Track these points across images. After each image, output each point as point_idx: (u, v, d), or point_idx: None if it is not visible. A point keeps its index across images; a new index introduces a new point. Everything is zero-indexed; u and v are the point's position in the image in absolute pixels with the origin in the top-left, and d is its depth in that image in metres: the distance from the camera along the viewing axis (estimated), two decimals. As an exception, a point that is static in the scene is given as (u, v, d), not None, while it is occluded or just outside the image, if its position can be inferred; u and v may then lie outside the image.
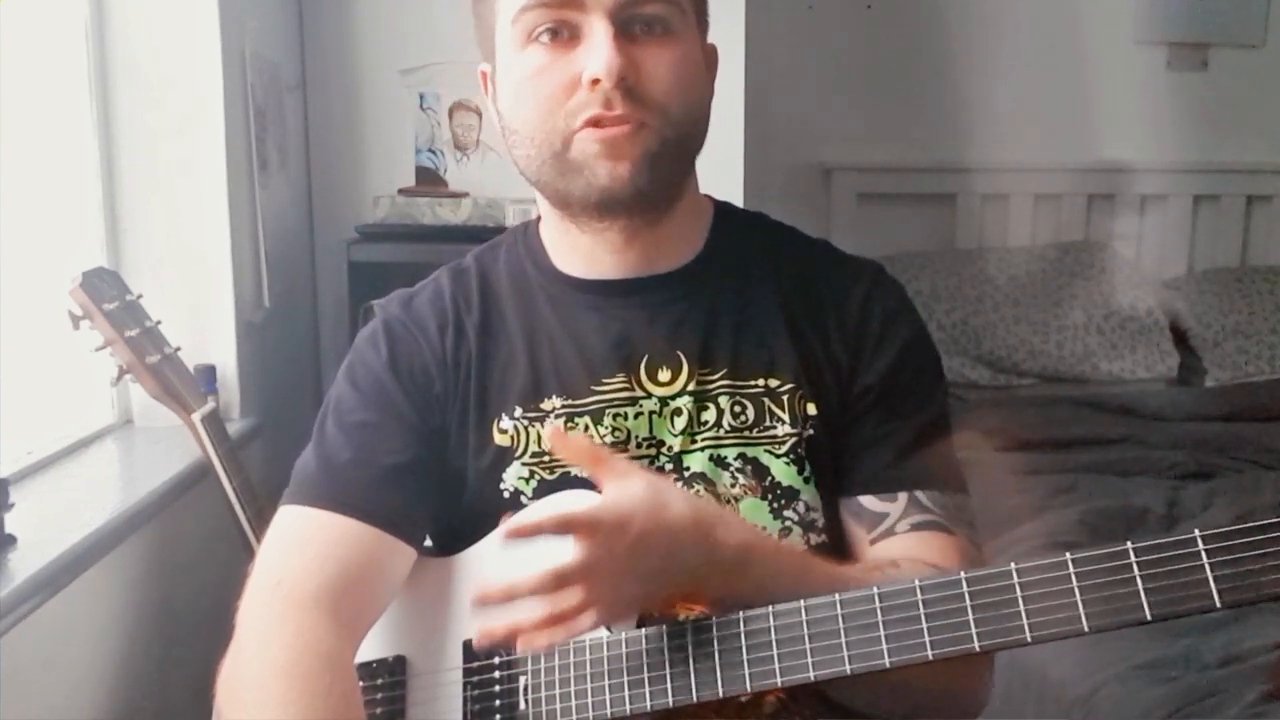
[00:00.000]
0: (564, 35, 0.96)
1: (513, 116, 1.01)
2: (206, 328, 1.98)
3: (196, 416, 1.57)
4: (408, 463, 1.03)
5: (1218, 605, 0.79)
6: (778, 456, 1.02)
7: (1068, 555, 0.82)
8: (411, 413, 1.05)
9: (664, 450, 1.02)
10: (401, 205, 2.35)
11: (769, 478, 1.02)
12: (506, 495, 1.03)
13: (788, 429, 1.02)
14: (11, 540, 1.37)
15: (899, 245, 3.28)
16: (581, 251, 1.06)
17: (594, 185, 0.97)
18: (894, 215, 3.37)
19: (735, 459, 1.02)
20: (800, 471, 1.02)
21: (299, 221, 2.43)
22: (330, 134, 2.45)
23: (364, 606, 0.99)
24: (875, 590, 0.86)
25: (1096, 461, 2.63)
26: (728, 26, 2.26)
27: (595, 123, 0.96)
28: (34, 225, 1.73)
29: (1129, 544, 0.82)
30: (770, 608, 0.89)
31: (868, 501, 1.03)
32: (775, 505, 1.02)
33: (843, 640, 0.86)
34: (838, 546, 1.04)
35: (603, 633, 0.93)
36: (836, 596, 0.87)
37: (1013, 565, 0.83)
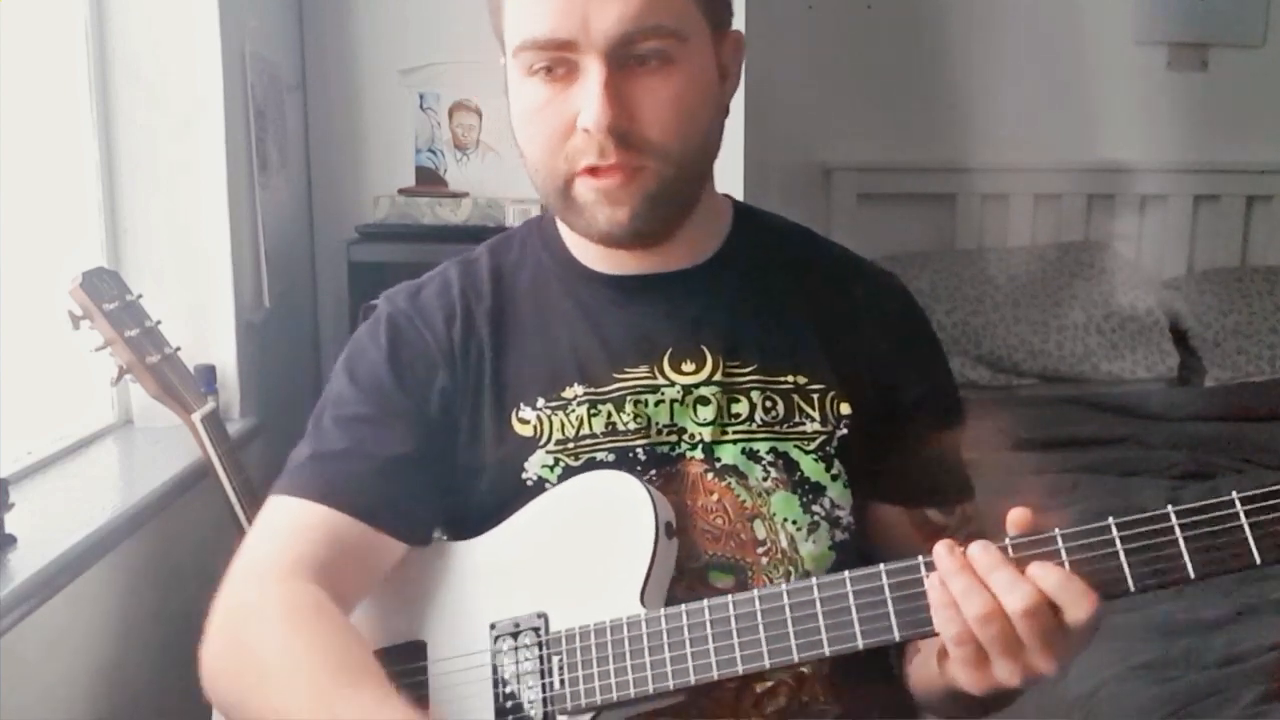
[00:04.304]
0: (561, 71, 0.95)
1: (521, 140, 1.01)
2: (206, 328, 1.98)
3: (196, 416, 1.57)
4: (401, 457, 1.03)
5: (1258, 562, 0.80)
6: (806, 452, 1.04)
7: (1110, 520, 0.84)
8: (409, 407, 1.05)
9: (685, 438, 1.03)
10: (401, 205, 2.35)
11: (798, 472, 1.03)
12: (530, 483, 1.03)
13: (817, 426, 1.04)
14: (11, 540, 1.37)
15: (899, 245, 3.28)
16: (597, 250, 1.06)
17: (594, 227, 0.99)
18: (894, 215, 3.37)
19: (767, 453, 1.03)
20: (828, 469, 1.04)
21: (299, 221, 2.43)
22: (330, 134, 2.45)
23: (340, 595, 1.00)
24: (882, 568, 0.88)
25: (1096, 461, 2.63)
26: (728, 26, 2.26)
27: (592, 170, 0.96)
28: (34, 225, 1.73)
29: (1170, 508, 0.83)
30: (783, 585, 0.91)
31: (931, 514, 1.07)
32: (805, 499, 1.03)
33: (854, 616, 0.88)
34: (863, 544, 1.05)
35: (640, 610, 0.94)
36: (846, 574, 0.89)
37: (1057, 530, 0.85)
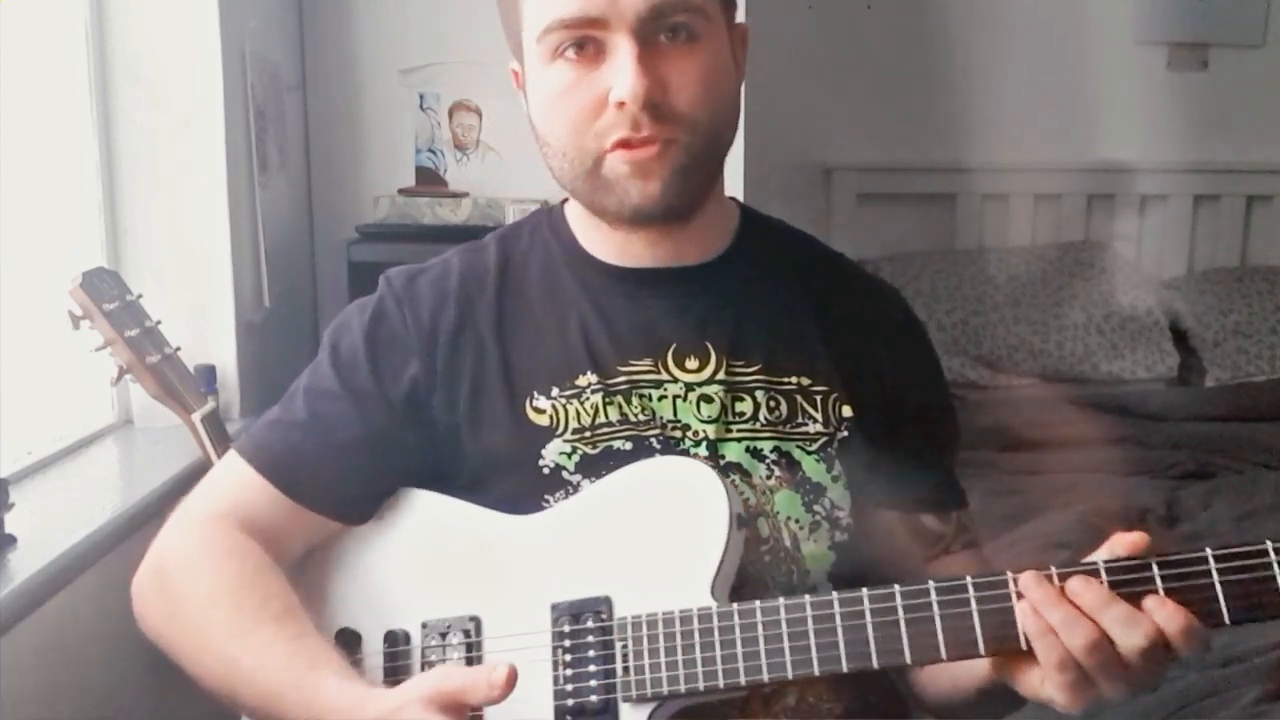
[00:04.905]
0: (589, 50, 0.96)
1: (544, 129, 1.02)
2: (206, 328, 1.98)
3: (196, 416, 1.57)
4: (355, 438, 1.04)
5: None
6: (808, 453, 1.04)
7: (1208, 550, 0.84)
8: (374, 389, 1.05)
9: (689, 434, 1.03)
10: (401, 205, 2.36)
11: (800, 472, 1.04)
12: (547, 471, 1.02)
13: (819, 427, 1.04)
14: (11, 540, 1.37)
15: (899, 245, 3.29)
16: (613, 241, 1.07)
17: (626, 203, 0.99)
18: (894, 215, 3.37)
19: (771, 452, 1.03)
20: (829, 470, 1.04)
21: (299, 221, 2.43)
22: (330, 134, 2.45)
23: (268, 551, 1.03)
24: (969, 579, 0.88)
25: (1096, 461, 2.63)
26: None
27: (624, 144, 0.97)
28: (34, 225, 1.73)
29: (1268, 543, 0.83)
30: (864, 590, 0.90)
31: (928, 521, 1.08)
32: (807, 499, 1.03)
33: (937, 626, 0.87)
34: (862, 547, 1.05)
35: (711, 601, 0.93)
36: (931, 582, 0.88)
37: (1154, 558, 0.85)
